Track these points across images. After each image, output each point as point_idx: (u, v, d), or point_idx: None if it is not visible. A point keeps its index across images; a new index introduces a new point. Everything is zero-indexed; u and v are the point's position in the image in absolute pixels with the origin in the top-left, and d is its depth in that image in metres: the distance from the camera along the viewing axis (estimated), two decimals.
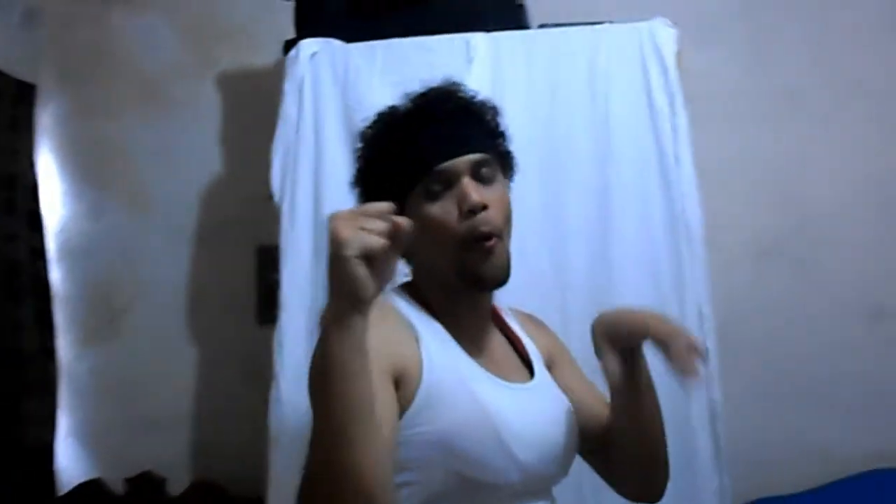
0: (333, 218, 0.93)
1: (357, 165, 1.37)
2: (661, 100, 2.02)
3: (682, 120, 2.02)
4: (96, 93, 2.83)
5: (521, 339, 1.42)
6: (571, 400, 1.38)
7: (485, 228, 1.23)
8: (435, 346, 1.22)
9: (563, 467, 1.32)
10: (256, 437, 1.99)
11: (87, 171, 2.79)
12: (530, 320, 1.51)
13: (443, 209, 1.24)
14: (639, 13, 2.10)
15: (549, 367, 1.42)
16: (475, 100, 1.36)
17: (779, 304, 2.50)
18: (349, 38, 2.09)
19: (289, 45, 2.12)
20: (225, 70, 2.76)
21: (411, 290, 1.32)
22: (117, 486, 2.56)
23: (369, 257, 0.91)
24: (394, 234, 0.93)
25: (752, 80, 2.60)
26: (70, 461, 2.64)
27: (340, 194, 2.00)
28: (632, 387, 1.30)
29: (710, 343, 1.94)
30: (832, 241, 2.53)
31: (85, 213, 2.77)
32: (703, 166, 2.06)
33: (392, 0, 2.10)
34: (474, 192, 1.23)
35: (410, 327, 1.22)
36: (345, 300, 0.94)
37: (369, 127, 1.36)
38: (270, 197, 2.07)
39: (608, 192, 1.99)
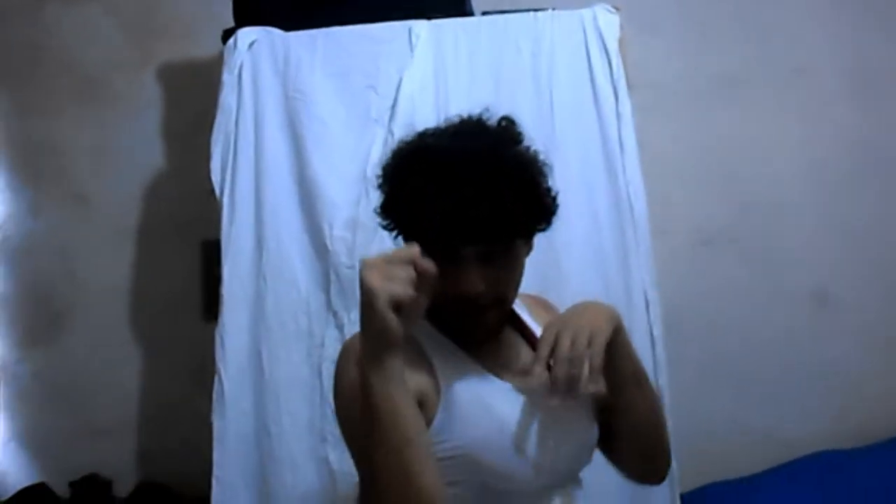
0: (364, 266, 1.01)
1: (383, 192, 1.29)
2: (604, 86, 2.02)
3: (626, 106, 2.02)
4: (33, 89, 2.75)
5: (535, 335, 1.35)
6: None
7: (481, 302, 1.20)
8: (448, 368, 1.23)
9: (585, 456, 1.32)
10: (203, 436, 1.96)
11: (25, 169, 2.72)
12: (539, 305, 1.49)
13: (443, 274, 1.09)
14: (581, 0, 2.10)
15: None
16: (512, 169, 1.20)
17: (724, 290, 2.52)
18: (289, 27, 2.05)
19: (227, 35, 2.08)
20: (165, 63, 2.70)
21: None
22: (63, 490, 2.49)
23: (397, 304, 0.99)
24: (420, 281, 1.01)
25: (695, 67, 2.62)
26: (13, 465, 2.59)
27: (281, 186, 1.99)
28: (612, 382, 1.27)
29: (657, 329, 1.95)
30: (776, 226, 2.56)
31: (23, 212, 2.70)
32: (648, 154, 2.07)
33: None
34: (475, 281, 1.18)
35: (423, 352, 1.24)
36: (378, 343, 1.02)
37: (399, 154, 1.27)
38: (213, 191, 2.03)
39: (553, 180, 1.98)
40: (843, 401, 2.50)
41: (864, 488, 2.26)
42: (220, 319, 1.95)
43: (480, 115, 1.29)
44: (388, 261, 1.01)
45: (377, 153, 1.93)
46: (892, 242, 2.59)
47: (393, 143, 1.87)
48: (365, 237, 1.90)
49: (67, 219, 2.68)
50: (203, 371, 2.06)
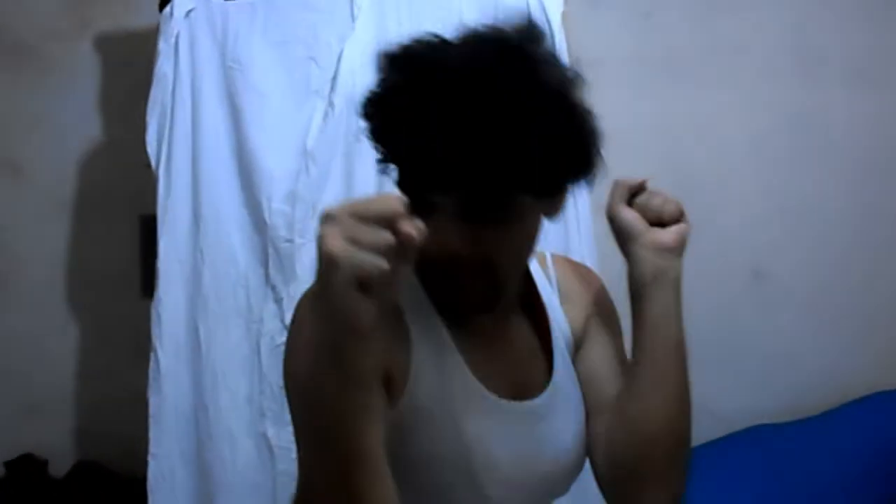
0: (324, 219, 0.69)
1: (374, 89, 1.01)
2: None
3: None
4: None
5: (549, 321, 1.12)
6: (584, 380, 1.12)
7: (461, 264, 0.94)
8: (428, 357, 0.97)
9: (558, 489, 1.10)
10: (142, 414, 1.93)
11: None
12: (573, 274, 1.20)
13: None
14: None
15: (582, 339, 1.14)
16: (549, 94, 0.93)
17: None
18: None
19: (164, 2, 2.02)
20: (103, 32, 2.62)
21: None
22: None
23: (365, 281, 0.68)
24: (399, 250, 0.68)
25: (638, 44, 2.61)
26: None
27: (218, 158, 1.95)
28: (645, 345, 1.04)
29: None
30: (716, 202, 2.57)
31: None
32: None
33: None
34: (451, 238, 0.92)
35: (405, 324, 0.98)
36: (336, 329, 0.73)
37: (396, 57, 0.97)
38: (150, 164, 1.99)
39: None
40: (779, 375, 2.54)
41: (798, 463, 2.30)
42: (156, 295, 1.92)
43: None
44: (358, 215, 0.68)
45: (316, 126, 1.90)
46: (830, 219, 2.63)
47: (333, 116, 1.86)
48: (304, 211, 1.88)
49: (0, 189, 2.60)
50: (141, 348, 2.02)
